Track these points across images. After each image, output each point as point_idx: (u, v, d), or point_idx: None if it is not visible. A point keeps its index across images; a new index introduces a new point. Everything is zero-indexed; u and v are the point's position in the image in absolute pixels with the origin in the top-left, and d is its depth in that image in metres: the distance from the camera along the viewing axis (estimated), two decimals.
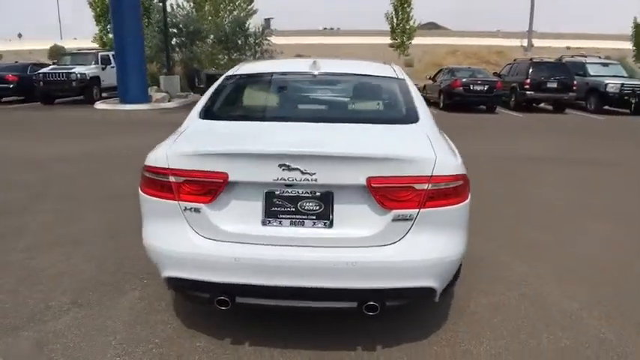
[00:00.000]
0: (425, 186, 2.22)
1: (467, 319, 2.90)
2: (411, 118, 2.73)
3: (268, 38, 23.71)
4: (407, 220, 2.25)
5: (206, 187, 2.22)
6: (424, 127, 2.66)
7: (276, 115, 2.98)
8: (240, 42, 23.47)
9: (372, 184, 2.19)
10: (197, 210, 2.25)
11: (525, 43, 43.98)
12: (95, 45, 23.20)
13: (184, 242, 2.28)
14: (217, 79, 3.24)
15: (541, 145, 9.56)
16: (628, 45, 36.12)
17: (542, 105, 16.72)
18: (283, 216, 2.26)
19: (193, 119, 2.75)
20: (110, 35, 22.68)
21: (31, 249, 3.78)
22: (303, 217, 2.26)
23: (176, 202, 2.26)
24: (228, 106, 3.06)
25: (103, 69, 16.12)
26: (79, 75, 15.00)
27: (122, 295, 3.08)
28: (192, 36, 21.27)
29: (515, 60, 19.08)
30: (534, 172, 7.05)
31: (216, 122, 2.70)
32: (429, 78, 17.80)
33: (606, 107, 15.89)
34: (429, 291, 2.36)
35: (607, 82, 15.59)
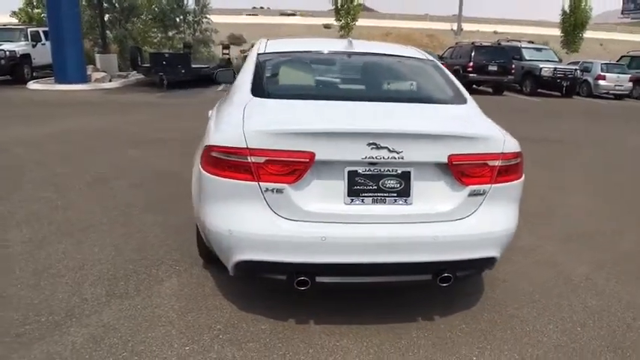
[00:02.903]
0: (497, 162, 2.33)
1: (502, 287, 3.09)
2: (461, 98, 2.82)
3: (208, 16, 22.84)
4: (480, 194, 2.35)
5: (291, 167, 2.16)
6: (474, 108, 2.76)
7: (335, 94, 2.92)
8: (178, 20, 22.42)
9: (453, 161, 2.26)
10: (280, 191, 2.19)
11: (455, 26, 45.77)
12: (14, 20, 21.02)
13: (265, 224, 2.21)
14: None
15: None
16: (549, 31, 38.91)
17: (482, 87, 17.65)
18: (365, 194, 2.26)
19: (245, 97, 2.63)
20: (37, 10, 20.67)
21: (33, 240, 3.46)
22: (385, 194, 2.28)
23: (255, 182, 2.18)
24: (278, 84, 2.96)
25: (34, 46, 14.70)
26: (7, 53, 13.56)
27: (159, 283, 2.93)
28: (126, 12, 19.97)
29: (457, 43, 19.92)
30: None
31: (276, 100, 2.60)
32: None
33: (540, 90, 17.12)
34: (493, 261, 2.49)
35: (542, 66, 16.76)
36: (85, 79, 13.95)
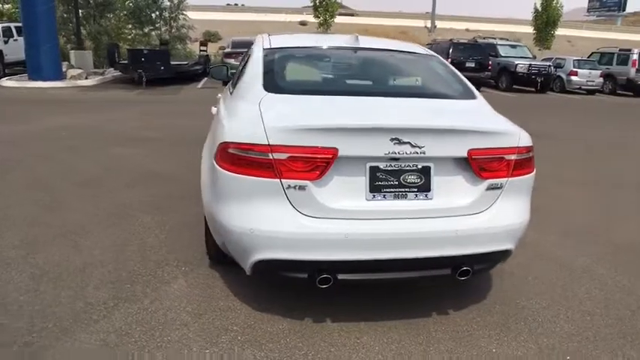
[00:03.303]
0: (513, 156, 2.35)
1: (510, 281, 3.12)
2: (470, 94, 2.83)
3: (184, 12, 22.43)
4: (497, 188, 2.36)
5: (314, 164, 2.12)
6: (484, 103, 2.77)
7: (348, 90, 2.88)
8: (154, 16, 21.94)
9: (473, 156, 2.26)
10: (302, 188, 2.14)
11: (428, 23, 46.25)
12: None
13: (287, 222, 2.17)
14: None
15: None
16: (519, 28, 39.68)
17: None
18: (387, 190, 2.24)
19: (257, 92, 2.56)
20: (7, 5, 19.89)
21: (28, 243, 3.32)
22: (406, 190, 2.26)
23: (277, 180, 2.13)
24: (290, 79, 2.90)
25: (6, 42, 14.18)
26: None
27: (166, 284, 2.85)
28: (101, 7, 19.42)
29: (434, 40, 20.18)
30: None
31: (291, 96, 2.55)
32: None
33: (515, 86, 17.47)
34: (508, 253, 2.51)
35: (517, 62, 17.11)
36: (61, 76, 13.52)
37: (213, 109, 3.26)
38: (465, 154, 2.26)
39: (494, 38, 20.84)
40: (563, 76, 18.42)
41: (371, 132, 2.17)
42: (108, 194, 4.43)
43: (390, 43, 3.55)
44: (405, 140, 2.15)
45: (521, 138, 2.39)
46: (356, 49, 3.15)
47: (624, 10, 58.54)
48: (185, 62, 16.05)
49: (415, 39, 38.70)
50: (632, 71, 17.79)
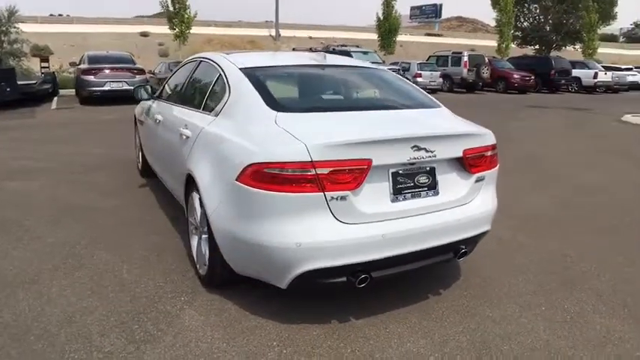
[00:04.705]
0: (489, 153, 2.86)
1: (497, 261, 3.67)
2: (435, 102, 3.27)
3: (17, 25, 19.70)
4: (481, 180, 2.84)
5: (353, 175, 2.33)
6: (447, 110, 3.23)
7: (348, 105, 3.08)
8: None
9: (466, 155, 2.70)
10: (343, 198, 2.33)
11: (272, 32, 47.59)
12: None
13: (331, 231, 2.33)
14: None
15: None
16: (357, 35, 43.28)
17: None
18: (406, 191, 2.55)
19: (265, 112, 2.64)
20: None
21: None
22: (419, 189, 2.60)
23: (320, 193, 2.29)
24: (288, 97, 3.00)
25: None
26: None
27: (176, 317, 2.74)
28: None
29: (293, 49, 20.96)
30: None
31: (304, 114, 2.70)
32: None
33: None
34: (486, 233, 3.02)
35: None
36: None
37: (195, 133, 3.16)
38: (461, 154, 2.68)
39: (346, 46, 22.56)
40: (410, 78, 20.78)
41: (397, 142, 2.46)
42: (38, 235, 3.93)
43: (347, 60, 3.86)
44: (422, 146, 2.49)
45: (491, 137, 2.90)
46: (325, 67, 3.40)
47: (440, 16, 67.71)
48: (33, 82, 14.23)
49: (262, 48, 39.60)
50: (465, 71, 20.98)
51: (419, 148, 2.49)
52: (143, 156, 5.55)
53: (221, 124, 2.90)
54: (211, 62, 3.54)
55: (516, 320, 2.81)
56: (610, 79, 24.44)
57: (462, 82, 21.33)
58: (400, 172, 2.53)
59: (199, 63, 3.88)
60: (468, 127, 2.85)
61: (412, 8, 72.70)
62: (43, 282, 3.14)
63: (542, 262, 3.62)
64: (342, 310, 2.83)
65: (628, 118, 12.91)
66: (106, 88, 13.80)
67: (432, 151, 2.53)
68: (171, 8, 23.99)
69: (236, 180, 2.43)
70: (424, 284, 3.19)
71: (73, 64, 16.70)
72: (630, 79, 26.23)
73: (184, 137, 3.28)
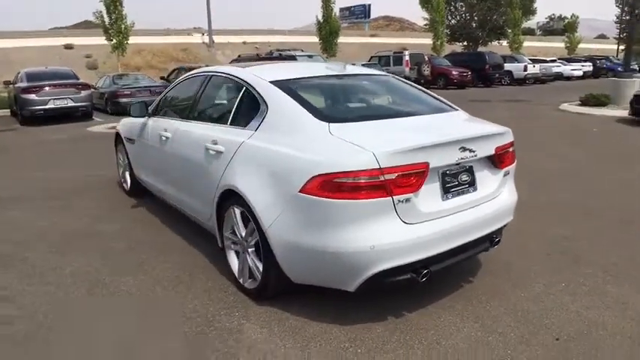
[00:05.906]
0: (511, 149, 3.15)
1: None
2: (452, 106, 3.52)
3: None
4: (507, 174, 3.13)
5: (416, 178, 2.52)
6: (464, 112, 3.50)
7: (387, 113, 3.23)
8: None
9: (498, 152, 2.97)
10: (408, 200, 2.51)
11: (205, 39, 46.73)
12: None
13: (399, 232, 2.51)
14: None
15: None
16: (291, 38, 43.45)
17: None
18: (453, 190, 2.78)
19: (315, 124, 2.76)
20: None
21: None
22: (463, 187, 2.84)
23: (389, 197, 2.46)
24: (332, 108, 3.15)
25: None
26: None
27: (239, 332, 2.79)
28: None
29: (239, 56, 20.84)
30: None
31: (354, 124, 2.84)
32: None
33: None
34: (509, 223, 3.32)
35: None
36: None
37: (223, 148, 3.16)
38: (493, 152, 2.95)
39: (290, 50, 22.73)
40: None
41: (448, 145, 2.68)
42: (50, 272, 3.76)
43: (362, 69, 4.04)
44: (467, 147, 2.73)
45: (511, 134, 3.20)
46: (349, 76, 3.60)
47: (370, 17, 69.53)
48: None
49: (195, 55, 38.75)
50: (407, 70, 21.83)
51: (464, 149, 2.72)
52: (132, 175, 5.42)
53: (264, 138, 2.95)
54: (229, 76, 3.57)
55: (547, 297, 3.13)
56: (538, 71, 26.44)
57: None
58: (447, 172, 2.76)
59: (209, 77, 3.89)
60: (495, 127, 3.14)
61: (341, 10, 74.02)
62: (75, 313, 3.06)
63: (547, 244, 3.99)
64: (393, 307, 3.01)
65: (566, 106, 14.14)
66: (50, 106, 13.06)
67: (474, 151, 2.78)
68: (106, 19, 22.97)
69: (299, 191, 2.53)
70: (453, 275, 3.44)
71: (7, 83, 15.50)
72: (555, 70, 28.48)
73: (214, 152, 3.29)
